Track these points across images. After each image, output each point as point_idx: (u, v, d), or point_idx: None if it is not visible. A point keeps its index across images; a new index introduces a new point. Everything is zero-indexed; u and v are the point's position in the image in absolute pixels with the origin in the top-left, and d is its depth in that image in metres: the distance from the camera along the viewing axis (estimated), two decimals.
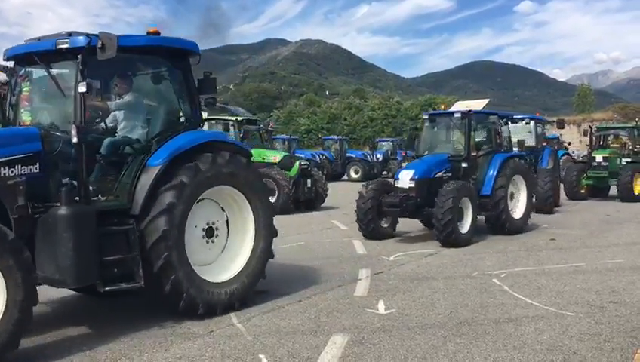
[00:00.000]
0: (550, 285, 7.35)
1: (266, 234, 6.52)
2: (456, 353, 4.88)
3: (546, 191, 15.36)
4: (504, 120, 12.78)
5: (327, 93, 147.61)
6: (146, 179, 5.55)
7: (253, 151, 16.92)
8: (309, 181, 16.71)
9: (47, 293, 6.86)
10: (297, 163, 16.68)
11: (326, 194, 17.28)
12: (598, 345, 5.06)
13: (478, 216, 11.14)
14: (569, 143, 31.25)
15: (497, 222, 11.51)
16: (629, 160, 20.36)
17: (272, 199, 15.86)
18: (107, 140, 5.70)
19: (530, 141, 16.85)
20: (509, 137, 12.99)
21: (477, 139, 12.09)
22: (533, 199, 15.12)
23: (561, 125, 21.36)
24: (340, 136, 41.98)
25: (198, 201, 5.92)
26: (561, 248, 10.26)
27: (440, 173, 11.04)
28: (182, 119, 6.38)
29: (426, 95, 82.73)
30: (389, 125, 61.80)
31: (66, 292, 6.91)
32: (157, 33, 5.84)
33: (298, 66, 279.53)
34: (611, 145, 21.92)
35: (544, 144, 17.79)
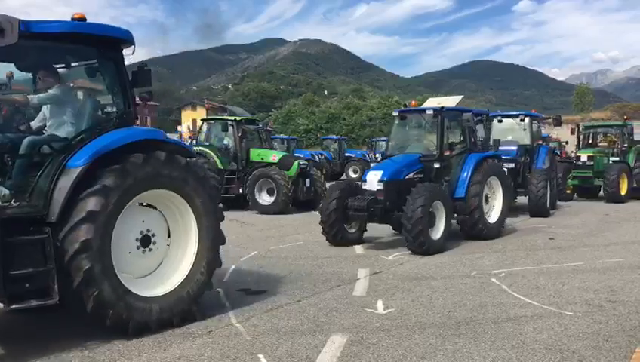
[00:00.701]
0: (549, 284, 7.36)
1: (211, 242, 5.90)
2: (454, 352, 4.88)
3: (538, 191, 14.50)
4: (479, 118, 11.90)
5: (325, 92, 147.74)
6: (65, 183, 4.94)
7: (252, 151, 17.32)
8: (307, 181, 16.72)
9: None
10: (296, 163, 16.68)
11: (325, 194, 17.27)
12: (596, 344, 5.07)
13: (452, 220, 10.44)
14: (566, 143, 31.12)
15: (472, 228, 10.78)
16: (616, 159, 19.57)
17: (271, 199, 15.97)
18: (26, 139, 5.11)
19: (525, 139, 16.17)
20: (487, 136, 12.26)
21: (450, 138, 11.45)
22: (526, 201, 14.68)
23: (557, 122, 19.73)
24: (338, 136, 42.03)
25: (129, 207, 5.31)
26: (560, 247, 10.27)
27: (410, 175, 10.32)
28: (113, 115, 5.75)
29: (424, 94, 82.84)
30: (386, 125, 61.82)
31: None
32: (82, 19, 5.30)
33: (297, 66, 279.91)
34: (599, 144, 21.10)
35: (539, 142, 16.69)
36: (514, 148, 15.46)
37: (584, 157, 19.28)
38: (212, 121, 18.79)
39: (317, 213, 11.26)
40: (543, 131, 20.86)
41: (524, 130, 16.19)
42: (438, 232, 9.82)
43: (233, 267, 8.52)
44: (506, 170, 14.17)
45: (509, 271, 8.23)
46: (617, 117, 50.89)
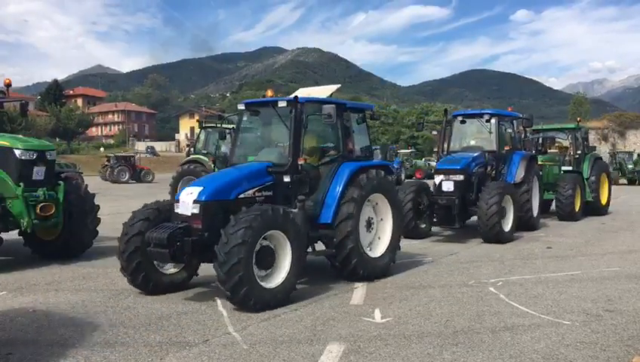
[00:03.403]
0: (546, 293, 7.36)
1: None
2: (452, 361, 4.88)
3: (489, 209, 11.49)
4: (361, 115, 8.98)
5: None
6: None
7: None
8: None
9: (44, 299, 6.83)
10: None
11: None
12: (594, 353, 5.07)
13: (315, 255, 7.95)
14: None
15: (344, 264, 7.86)
16: (568, 168, 16.97)
17: None
18: None
19: (490, 144, 13.35)
20: (370, 140, 9.39)
21: (317, 141, 8.64)
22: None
23: (528, 123, 14.83)
24: None
25: None
26: (557, 256, 10.28)
27: (249, 191, 7.33)
28: None
29: (422, 103, 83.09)
30: (386, 132, 61.94)
31: (61, 299, 6.90)
32: None
33: (295, 74, 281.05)
34: (550, 151, 18.17)
35: (507, 148, 13.53)
36: (474, 154, 12.94)
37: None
38: (210, 129, 18.82)
39: None
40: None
41: (490, 132, 13.35)
42: (277, 277, 6.77)
43: None
44: (452, 183, 12.26)
45: (506, 280, 8.22)
46: (614, 126, 51.16)
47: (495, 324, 6.00)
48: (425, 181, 13.47)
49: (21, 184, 8.98)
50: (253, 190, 7.42)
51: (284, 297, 6.72)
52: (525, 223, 13.34)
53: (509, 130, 14.07)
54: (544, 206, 16.51)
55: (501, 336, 5.57)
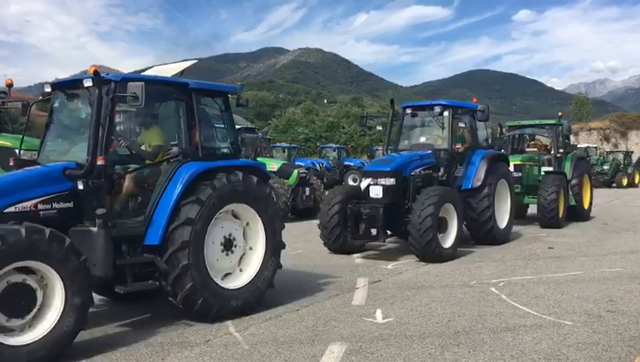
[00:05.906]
0: (548, 294, 7.35)
1: None
2: None
3: (421, 225, 9.36)
4: (221, 100, 6.91)
5: (325, 101, 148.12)
6: None
7: (250, 159, 17.34)
8: (307, 189, 16.73)
9: None
10: (296, 171, 16.70)
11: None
12: (595, 354, 5.06)
13: (124, 291, 5.67)
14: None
15: (188, 305, 5.93)
16: (549, 169, 15.25)
17: None
18: None
19: (443, 141, 11.25)
20: (238, 132, 7.38)
21: (157, 135, 6.46)
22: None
23: (482, 116, 11.77)
24: (337, 145, 42.15)
25: None
26: (559, 257, 10.27)
27: (28, 203, 5.26)
28: None
29: None
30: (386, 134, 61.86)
31: None
32: None
33: (296, 75, 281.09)
34: (527, 150, 16.42)
35: (461, 146, 11.40)
36: (421, 152, 10.94)
37: (510, 167, 13.20)
38: None
39: (316, 221, 11.19)
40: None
41: (443, 128, 11.18)
42: (39, 327, 4.77)
43: None
44: (380, 188, 10.04)
45: (508, 280, 8.22)
46: (616, 126, 51.09)
47: (497, 325, 5.99)
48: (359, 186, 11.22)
49: None
50: (35, 201, 5.31)
51: (51, 353, 4.70)
52: (485, 236, 11.34)
53: (462, 125, 11.79)
54: (519, 211, 14.37)
55: (503, 337, 5.56)
